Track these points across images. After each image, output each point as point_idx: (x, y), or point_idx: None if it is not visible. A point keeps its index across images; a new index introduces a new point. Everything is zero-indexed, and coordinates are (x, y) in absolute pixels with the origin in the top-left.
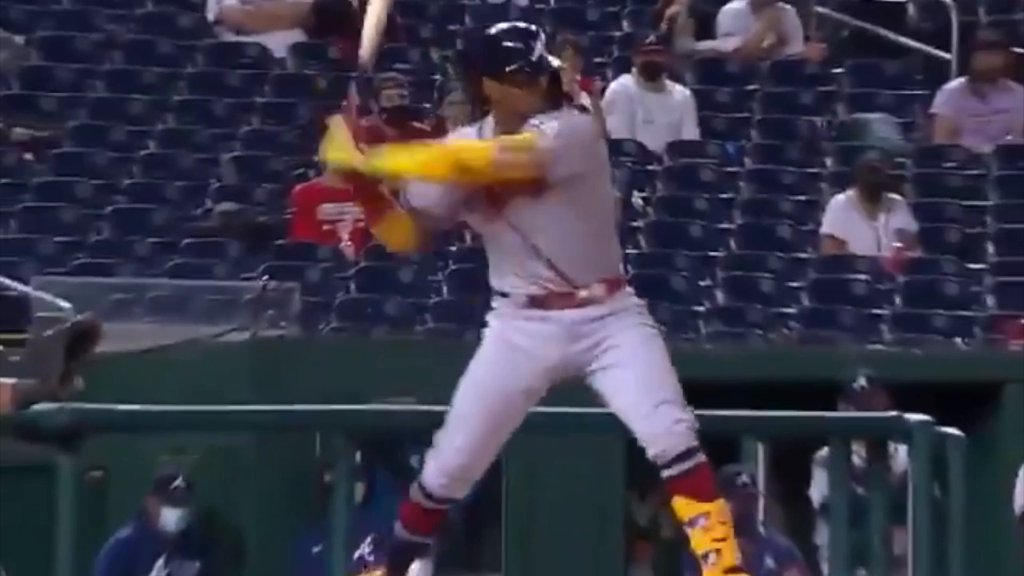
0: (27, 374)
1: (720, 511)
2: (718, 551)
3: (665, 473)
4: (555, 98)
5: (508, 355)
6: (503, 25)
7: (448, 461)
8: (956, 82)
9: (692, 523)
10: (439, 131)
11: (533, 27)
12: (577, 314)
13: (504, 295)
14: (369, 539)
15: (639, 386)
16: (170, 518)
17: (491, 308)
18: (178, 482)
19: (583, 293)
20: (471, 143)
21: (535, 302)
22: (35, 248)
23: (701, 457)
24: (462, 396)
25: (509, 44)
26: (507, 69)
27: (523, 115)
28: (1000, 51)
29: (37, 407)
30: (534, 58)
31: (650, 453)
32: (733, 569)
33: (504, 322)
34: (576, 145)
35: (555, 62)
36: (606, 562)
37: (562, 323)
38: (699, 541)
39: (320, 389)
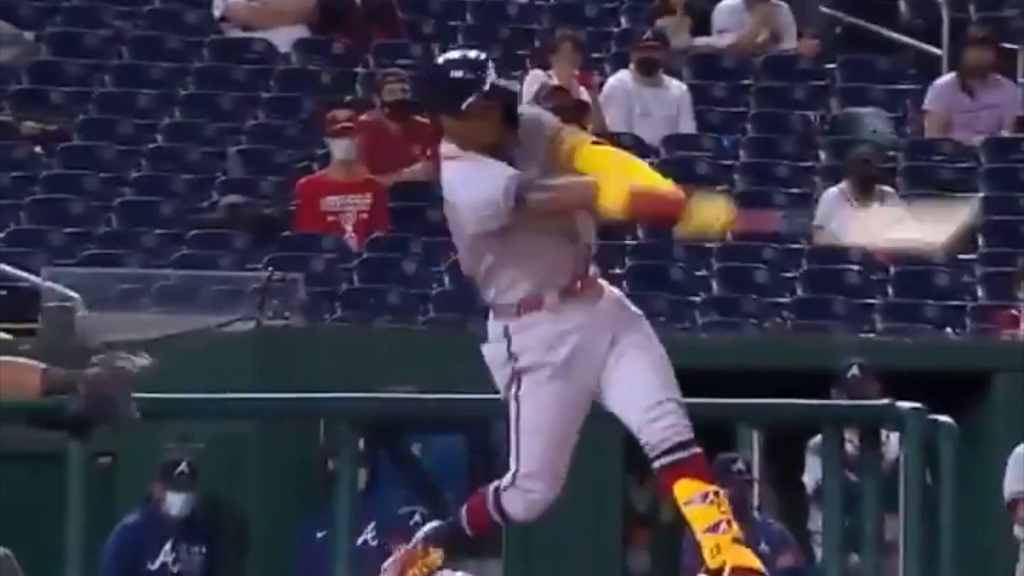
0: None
1: (723, 494)
2: (728, 522)
3: (666, 460)
4: (512, 120)
5: (566, 384)
6: (452, 56)
7: (539, 503)
8: (946, 78)
9: (702, 499)
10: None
11: (482, 55)
12: (604, 301)
13: (535, 301)
14: (372, 525)
15: (647, 378)
16: (175, 503)
17: (507, 338)
18: (182, 467)
19: (593, 274)
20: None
21: (570, 293)
22: (45, 240)
23: (698, 448)
24: (537, 444)
25: (459, 77)
26: (463, 106)
27: (483, 145)
28: (990, 47)
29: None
30: (487, 88)
31: (651, 441)
32: (740, 540)
33: (538, 343)
34: None
35: (511, 85)
36: (605, 547)
37: (597, 308)
38: (707, 514)
39: (323, 378)
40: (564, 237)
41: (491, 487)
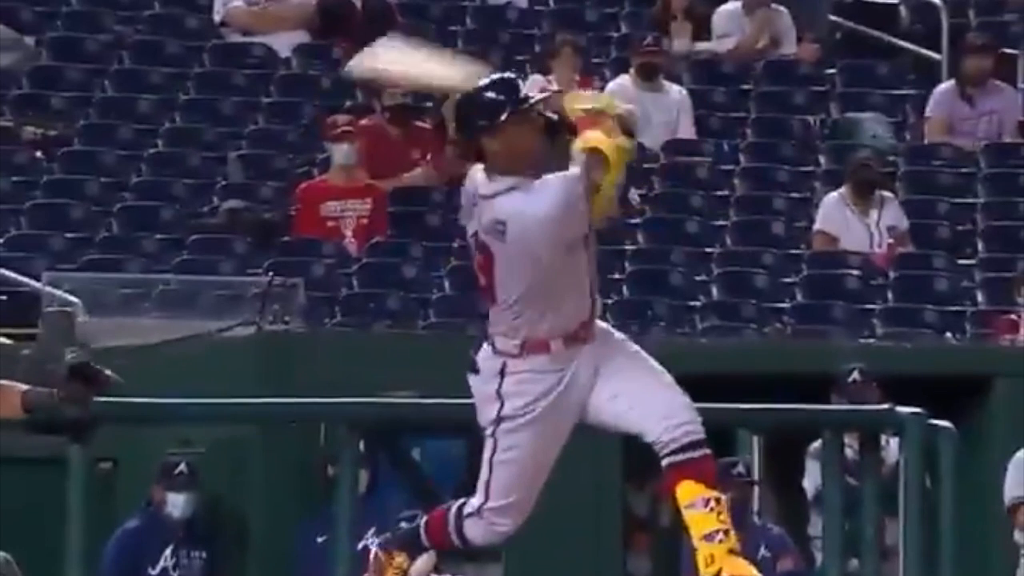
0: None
1: (724, 501)
2: (726, 531)
3: (677, 457)
4: (556, 130)
5: (548, 428)
6: (484, 81)
7: (502, 535)
8: (946, 85)
9: (703, 504)
10: (440, 130)
11: (513, 75)
12: (592, 343)
13: (542, 344)
14: (372, 531)
15: (646, 383)
16: (176, 503)
17: (501, 376)
18: (181, 467)
19: (595, 319)
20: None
21: (574, 339)
22: (45, 244)
23: (708, 450)
24: (510, 482)
25: (493, 96)
26: (503, 116)
27: (530, 154)
28: (989, 54)
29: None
30: (523, 95)
31: (662, 439)
32: (736, 552)
33: (532, 388)
34: None
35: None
36: (604, 552)
37: (585, 351)
38: (707, 520)
39: (324, 382)
40: (584, 269)
41: (454, 508)
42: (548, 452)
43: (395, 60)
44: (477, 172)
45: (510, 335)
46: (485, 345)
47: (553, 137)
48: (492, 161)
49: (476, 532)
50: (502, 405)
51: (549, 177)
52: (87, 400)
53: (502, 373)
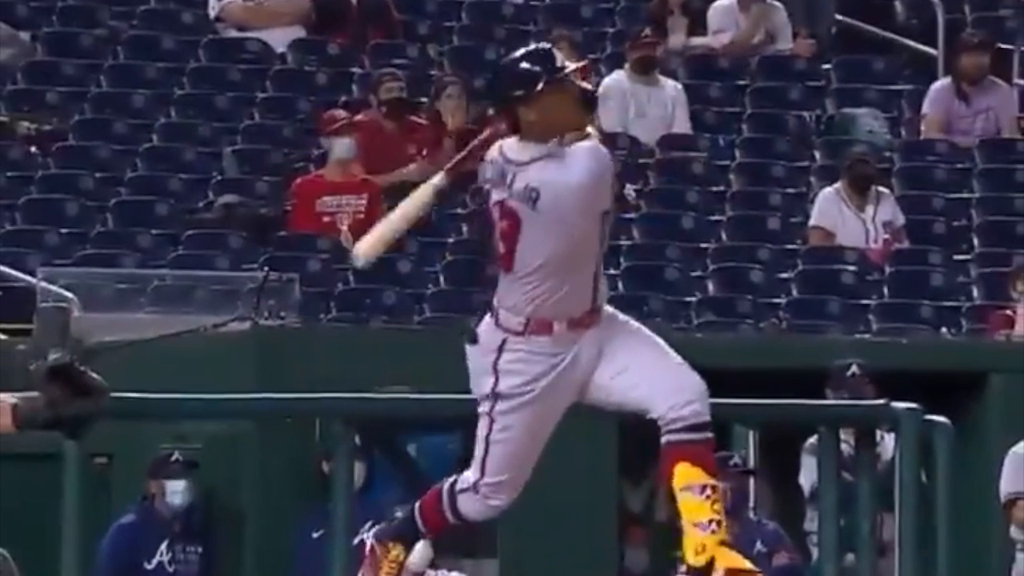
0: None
1: (722, 490)
2: (719, 523)
3: (679, 436)
4: (588, 101)
5: (545, 407)
6: (516, 53)
7: (497, 509)
8: (942, 82)
9: (699, 490)
10: (436, 124)
11: (546, 45)
12: (597, 327)
13: (546, 324)
14: (368, 525)
15: (657, 354)
16: (176, 491)
17: (500, 351)
18: (176, 456)
19: (601, 304)
20: None
21: (578, 324)
22: (40, 240)
23: (711, 434)
24: (505, 459)
25: (529, 67)
26: (539, 86)
27: (566, 124)
28: (985, 50)
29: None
30: (558, 64)
31: (667, 415)
32: (728, 544)
33: (529, 368)
34: None
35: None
36: (600, 546)
37: (588, 335)
38: (700, 508)
39: (320, 377)
40: (594, 256)
41: (447, 485)
42: (544, 430)
43: (383, 224)
44: (507, 141)
45: (516, 311)
46: (488, 317)
47: (587, 106)
48: (527, 130)
49: (471, 507)
50: (497, 381)
51: (580, 146)
52: (67, 404)
53: (501, 348)
